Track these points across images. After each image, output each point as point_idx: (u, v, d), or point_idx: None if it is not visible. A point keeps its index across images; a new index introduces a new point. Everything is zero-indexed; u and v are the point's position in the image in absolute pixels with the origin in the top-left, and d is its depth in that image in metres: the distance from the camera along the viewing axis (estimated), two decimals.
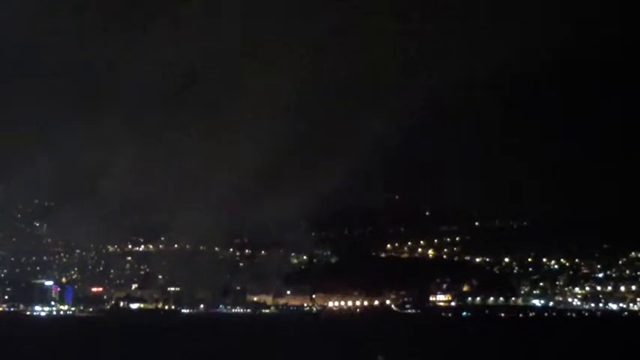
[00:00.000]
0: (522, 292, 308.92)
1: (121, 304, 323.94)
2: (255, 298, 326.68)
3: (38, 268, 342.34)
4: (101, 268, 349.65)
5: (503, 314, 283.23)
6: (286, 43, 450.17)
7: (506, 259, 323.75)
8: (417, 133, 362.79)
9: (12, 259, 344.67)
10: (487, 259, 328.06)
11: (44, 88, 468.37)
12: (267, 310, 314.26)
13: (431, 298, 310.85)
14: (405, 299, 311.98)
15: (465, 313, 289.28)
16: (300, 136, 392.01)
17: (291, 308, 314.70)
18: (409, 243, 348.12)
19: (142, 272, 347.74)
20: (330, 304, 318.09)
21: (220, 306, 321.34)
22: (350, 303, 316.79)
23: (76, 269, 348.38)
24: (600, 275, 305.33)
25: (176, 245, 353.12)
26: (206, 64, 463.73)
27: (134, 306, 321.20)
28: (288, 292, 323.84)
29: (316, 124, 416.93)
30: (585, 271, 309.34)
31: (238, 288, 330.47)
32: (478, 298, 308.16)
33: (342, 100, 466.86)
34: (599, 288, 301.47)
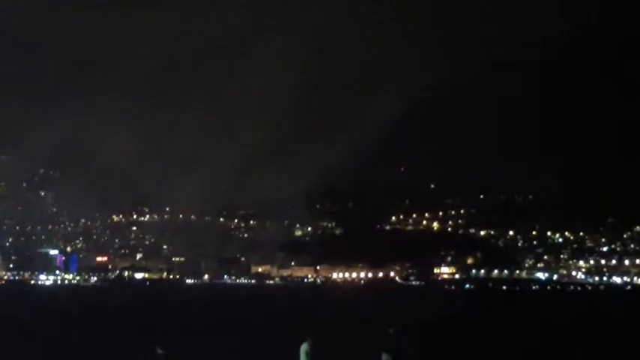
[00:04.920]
0: (526, 265, 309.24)
1: (126, 273, 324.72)
2: (259, 269, 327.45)
3: (43, 237, 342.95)
4: (106, 238, 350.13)
5: (505, 287, 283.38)
6: (289, 25, 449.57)
7: (511, 233, 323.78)
8: (422, 107, 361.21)
9: (17, 227, 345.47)
10: (492, 232, 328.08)
11: (47, 60, 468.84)
12: (271, 281, 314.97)
13: (435, 271, 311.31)
14: (410, 271, 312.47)
15: (467, 286, 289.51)
16: (306, 110, 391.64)
17: (296, 279, 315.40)
18: (414, 216, 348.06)
19: (147, 242, 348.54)
20: (335, 275, 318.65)
21: (225, 276, 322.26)
22: (354, 274, 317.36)
23: (81, 238, 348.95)
24: (604, 249, 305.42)
25: (181, 216, 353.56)
26: (209, 43, 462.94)
27: (139, 276, 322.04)
28: (293, 264, 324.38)
29: (320, 99, 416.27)
30: (590, 244, 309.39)
31: (243, 259, 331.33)
32: (482, 271, 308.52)
33: (346, 76, 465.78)
34: (603, 262, 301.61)
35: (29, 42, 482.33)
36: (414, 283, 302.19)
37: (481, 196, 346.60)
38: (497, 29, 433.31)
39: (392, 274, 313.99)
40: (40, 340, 53.56)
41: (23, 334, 58.61)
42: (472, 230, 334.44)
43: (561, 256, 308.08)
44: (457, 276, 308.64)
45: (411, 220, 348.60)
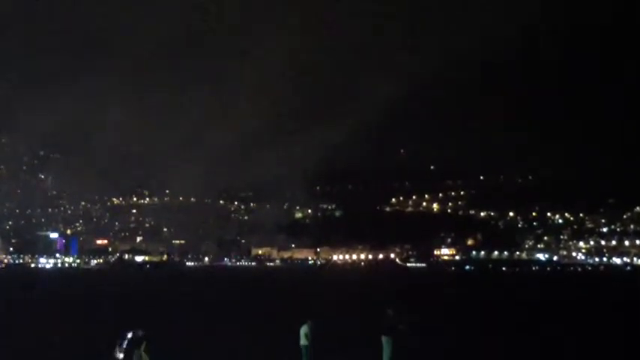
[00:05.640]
0: (527, 246, 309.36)
1: (126, 256, 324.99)
2: (259, 252, 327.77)
3: (43, 220, 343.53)
4: (106, 221, 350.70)
5: (504, 268, 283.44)
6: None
7: (511, 214, 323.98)
8: (423, 88, 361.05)
9: (17, 210, 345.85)
10: (492, 214, 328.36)
11: (46, 43, 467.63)
12: (271, 263, 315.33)
13: (435, 252, 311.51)
14: (410, 253, 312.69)
15: (467, 267, 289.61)
16: (306, 92, 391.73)
17: (296, 261, 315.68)
18: (414, 197, 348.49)
19: (147, 225, 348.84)
20: (335, 257, 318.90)
21: (225, 259, 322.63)
22: (354, 256, 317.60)
23: (81, 221, 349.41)
24: (604, 230, 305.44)
25: (181, 198, 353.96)
26: (210, 26, 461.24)
27: (139, 258, 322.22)
28: (293, 246, 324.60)
29: (321, 81, 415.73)
30: (590, 225, 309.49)
31: (243, 241, 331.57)
32: (482, 252, 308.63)
33: (348, 58, 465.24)
34: (603, 242, 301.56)
35: (28, 27, 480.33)
36: (414, 264, 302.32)
37: (481, 178, 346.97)
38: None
39: (392, 255, 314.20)
40: (35, 324, 53.50)
41: (21, 318, 58.60)
42: (472, 211, 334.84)
43: (561, 237, 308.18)
44: (457, 257, 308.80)
45: (411, 202, 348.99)
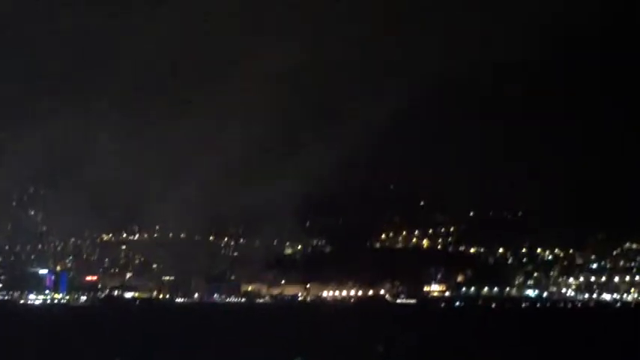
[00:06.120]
0: (516, 282, 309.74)
1: (115, 292, 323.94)
2: (249, 288, 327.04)
3: (33, 256, 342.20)
4: (96, 257, 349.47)
5: (494, 305, 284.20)
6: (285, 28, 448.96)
7: (501, 250, 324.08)
8: (412, 121, 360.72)
9: (7, 247, 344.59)
10: (481, 250, 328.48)
11: (29, 71, 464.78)
12: (261, 300, 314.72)
13: (425, 288, 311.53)
14: (400, 289, 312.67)
15: (457, 304, 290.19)
16: (292, 122, 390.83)
17: (286, 298, 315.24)
18: (403, 233, 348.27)
19: (137, 261, 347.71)
20: (325, 293, 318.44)
21: (215, 295, 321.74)
22: (344, 293, 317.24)
23: (70, 258, 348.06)
24: (594, 266, 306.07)
25: (171, 234, 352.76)
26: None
27: (128, 295, 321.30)
28: (283, 282, 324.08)
29: (307, 110, 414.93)
30: (579, 261, 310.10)
31: (232, 277, 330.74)
32: (472, 289, 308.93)
33: (335, 83, 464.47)
34: (593, 279, 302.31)
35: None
36: (404, 301, 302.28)
37: (470, 213, 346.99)
38: (497, 29, 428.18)
39: (382, 292, 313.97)
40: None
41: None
42: (462, 247, 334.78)
43: (551, 273, 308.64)
44: (447, 293, 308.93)
45: (400, 238, 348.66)
